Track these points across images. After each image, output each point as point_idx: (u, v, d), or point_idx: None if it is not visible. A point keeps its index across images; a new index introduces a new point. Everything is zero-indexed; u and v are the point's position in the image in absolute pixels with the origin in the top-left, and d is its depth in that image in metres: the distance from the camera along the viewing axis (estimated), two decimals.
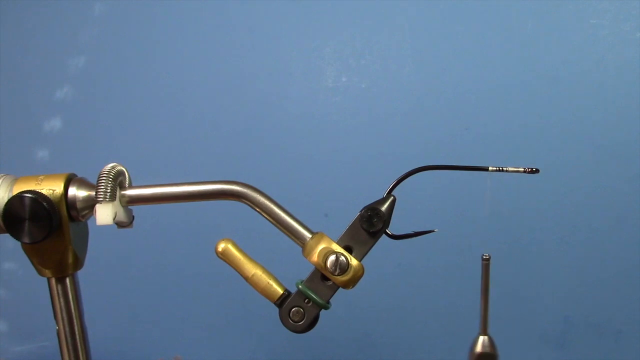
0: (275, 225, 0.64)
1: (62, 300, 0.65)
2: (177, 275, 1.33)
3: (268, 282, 0.63)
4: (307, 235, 0.63)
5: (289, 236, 0.64)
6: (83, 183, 0.63)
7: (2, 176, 0.63)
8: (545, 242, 1.20)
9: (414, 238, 0.64)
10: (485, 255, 0.65)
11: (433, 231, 0.64)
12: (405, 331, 1.29)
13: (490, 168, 0.63)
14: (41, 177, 0.62)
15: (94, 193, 0.61)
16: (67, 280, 0.65)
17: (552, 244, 1.20)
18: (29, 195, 0.59)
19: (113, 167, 0.63)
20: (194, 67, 1.27)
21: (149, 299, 1.35)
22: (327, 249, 0.61)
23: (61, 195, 0.61)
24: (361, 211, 0.62)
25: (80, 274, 0.67)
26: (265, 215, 0.63)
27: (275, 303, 0.63)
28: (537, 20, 1.15)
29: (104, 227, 0.61)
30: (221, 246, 0.63)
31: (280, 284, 0.63)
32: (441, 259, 1.23)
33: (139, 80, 1.29)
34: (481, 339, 0.69)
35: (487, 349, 0.67)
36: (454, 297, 1.23)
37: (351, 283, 0.61)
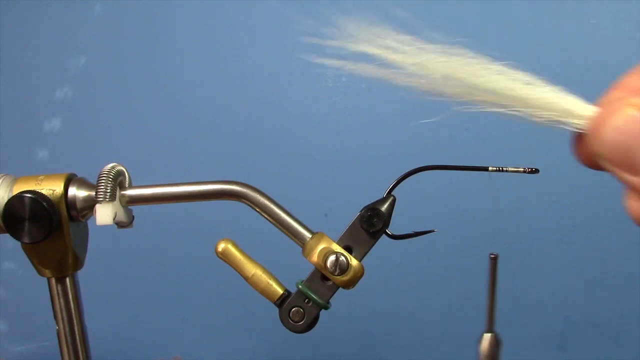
0: (275, 225, 0.64)
1: (62, 300, 0.65)
2: (177, 275, 1.33)
3: (268, 282, 0.62)
4: (307, 235, 0.63)
5: (289, 236, 0.64)
6: (83, 183, 0.63)
7: (2, 176, 0.63)
8: (545, 242, 1.20)
9: (414, 238, 0.64)
10: (493, 254, 0.65)
11: (433, 231, 0.64)
12: (405, 331, 1.28)
13: (490, 168, 0.63)
14: (41, 177, 0.62)
15: (94, 193, 0.61)
16: (67, 280, 0.64)
17: (552, 244, 1.20)
18: (29, 195, 0.59)
19: (113, 167, 0.62)
20: (194, 67, 1.27)
21: (149, 299, 1.35)
22: (327, 249, 0.61)
23: (61, 195, 0.61)
24: (361, 211, 0.61)
25: (80, 274, 0.67)
26: (265, 215, 0.63)
27: (275, 303, 0.62)
28: (537, 20, 1.15)
29: (104, 227, 0.61)
30: (221, 246, 0.63)
31: (280, 284, 0.63)
32: (441, 259, 1.23)
33: (139, 80, 1.29)
34: (486, 336, 0.69)
35: (493, 347, 0.67)
36: (453, 297, 1.23)
37: (351, 283, 0.61)
